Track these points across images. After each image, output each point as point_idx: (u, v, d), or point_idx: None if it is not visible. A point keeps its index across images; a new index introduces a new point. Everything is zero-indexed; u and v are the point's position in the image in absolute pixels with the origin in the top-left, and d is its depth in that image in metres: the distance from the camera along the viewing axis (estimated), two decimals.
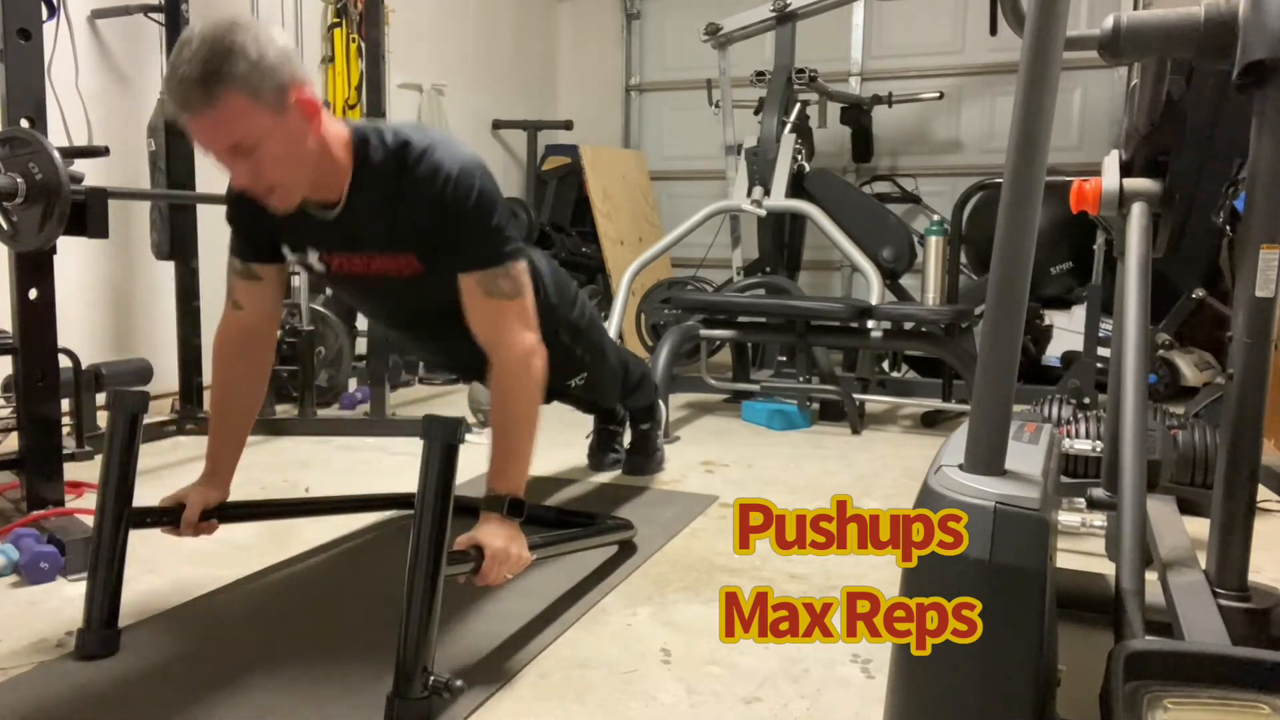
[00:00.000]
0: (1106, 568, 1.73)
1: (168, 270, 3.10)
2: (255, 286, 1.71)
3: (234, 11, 1.43)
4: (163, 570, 1.87)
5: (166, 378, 3.14)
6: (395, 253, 1.61)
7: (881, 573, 1.94)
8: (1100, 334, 3.30)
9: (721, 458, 2.95)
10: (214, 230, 3.11)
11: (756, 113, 4.41)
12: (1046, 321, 4.09)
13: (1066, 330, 4.09)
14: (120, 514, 1.51)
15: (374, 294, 1.78)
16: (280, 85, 1.38)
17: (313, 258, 1.66)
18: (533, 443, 1.61)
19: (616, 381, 2.37)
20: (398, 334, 2.01)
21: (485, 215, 1.56)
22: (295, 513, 2.09)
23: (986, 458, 0.97)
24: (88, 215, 1.96)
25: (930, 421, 3.60)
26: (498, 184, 1.61)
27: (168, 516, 1.61)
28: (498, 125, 5.46)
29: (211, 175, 3.21)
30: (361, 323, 3.84)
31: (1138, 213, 1.58)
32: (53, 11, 2.80)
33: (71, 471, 2.23)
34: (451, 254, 1.58)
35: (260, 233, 1.66)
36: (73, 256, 2.80)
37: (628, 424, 2.76)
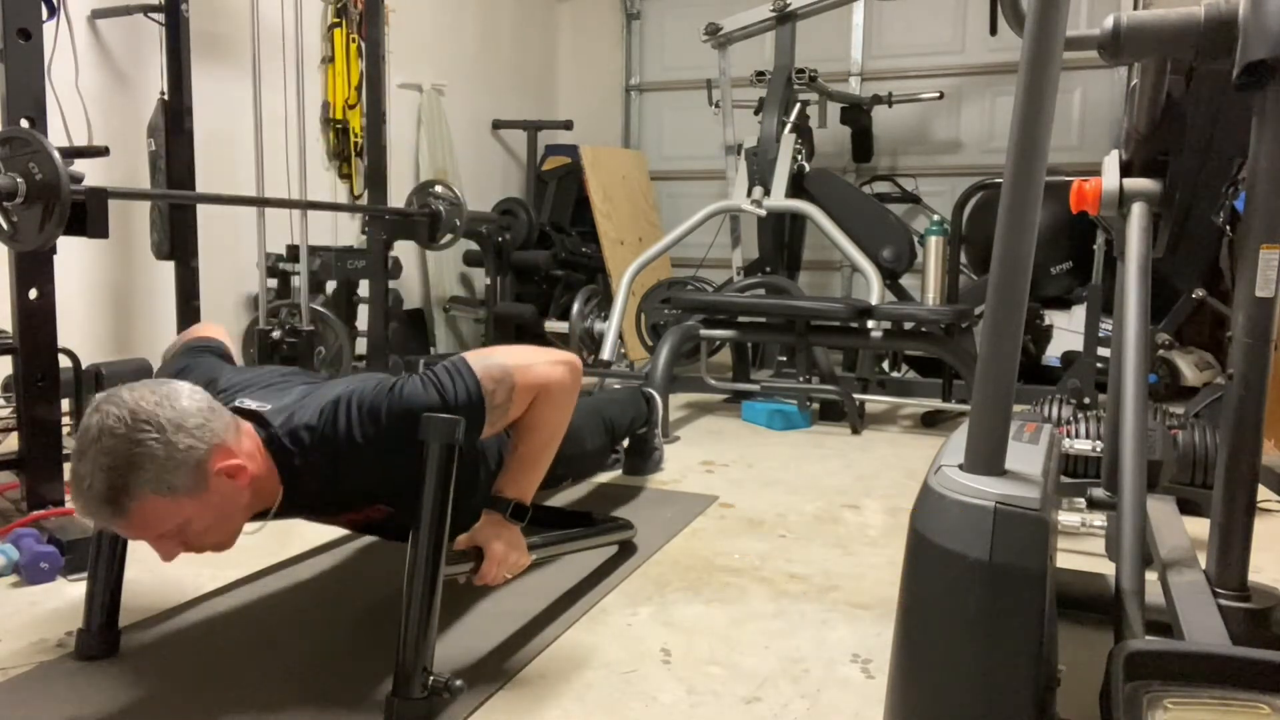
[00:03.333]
0: (1106, 568, 1.73)
1: (168, 270, 3.10)
2: None
3: (134, 397, 1.24)
4: (163, 570, 1.87)
5: None
6: (360, 510, 1.53)
7: (882, 572, 1.94)
8: (1100, 334, 3.30)
9: (721, 458, 2.95)
10: (214, 230, 3.12)
11: (756, 113, 4.41)
12: (1046, 321, 4.09)
13: (1066, 330, 4.09)
14: None
15: (343, 527, 1.70)
16: (196, 468, 1.25)
17: (271, 515, 1.54)
18: (551, 458, 1.58)
19: (605, 452, 2.36)
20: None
21: (427, 408, 1.37)
22: None
23: (986, 458, 0.97)
24: (88, 215, 1.95)
25: (930, 421, 3.60)
26: (418, 385, 1.40)
27: None
28: (498, 125, 5.46)
29: (211, 175, 3.22)
30: (362, 322, 3.84)
31: (1138, 213, 1.58)
32: (53, 11, 2.80)
33: None
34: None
35: None
36: (73, 256, 2.80)
37: None
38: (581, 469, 2.19)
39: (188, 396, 1.28)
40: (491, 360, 1.46)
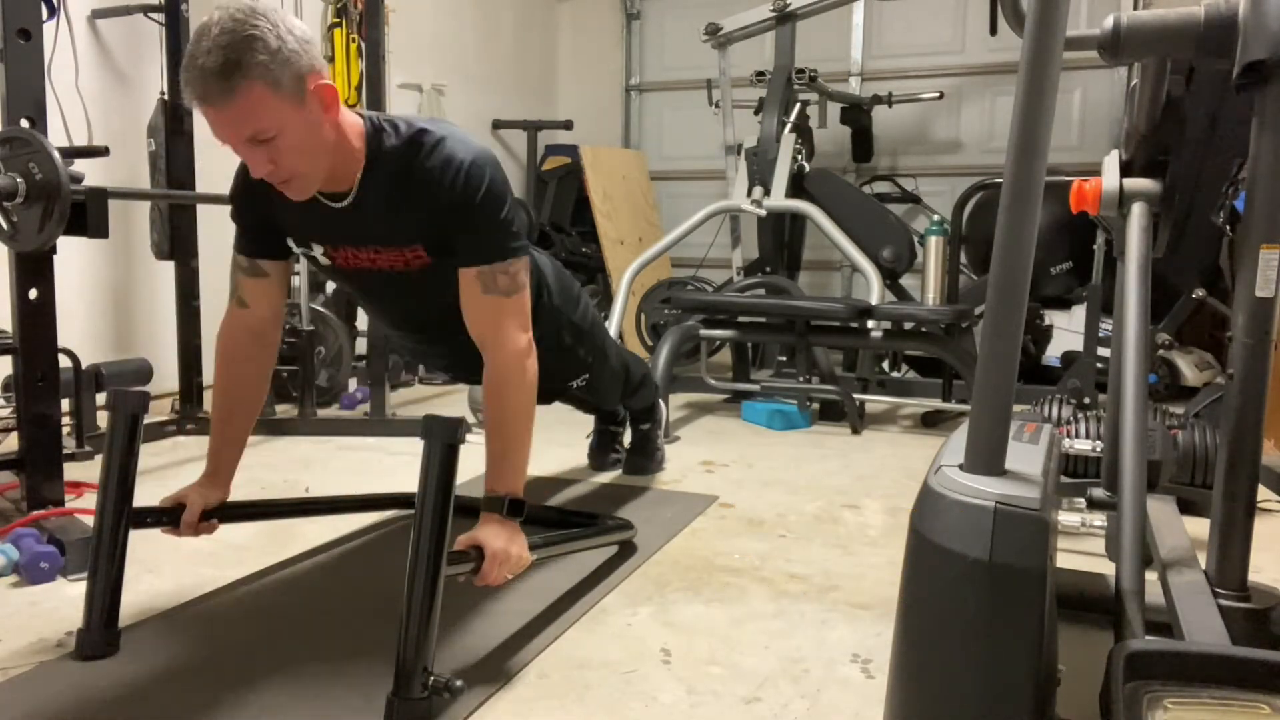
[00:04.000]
0: (1106, 568, 1.73)
1: (168, 270, 3.10)
2: (260, 284, 1.70)
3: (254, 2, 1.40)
4: (163, 570, 1.87)
5: (166, 378, 3.14)
6: (402, 246, 1.61)
7: (882, 572, 1.94)
8: (1100, 334, 3.30)
9: (721, 458, 2.95)
10: (214, 230, 3.12)
11: (756, 113, 4.41)
12: (1046, 321, 4.09)
13: (1066, 330, 4.09)
14: (120, 514, 1.51)
15: (378, 289, 1.77)
16: (299, 74, 1.38)
17: (318, 251, 1.66)
18: (529, 442, 1.61)
19: (618, 383, 2.37)
20: (400, 334, 1.98)
21: (493, 209, 1.55)
22: (295, 513, 2.09)
23: (986, 458, 0.97)
24: (88, 215, 1.95)
25: (930, 421, 3.60)
26: (508, 181, 1.60)
27: (168, 517, 1.61)
28: (498, 125, 5.46)
29: (211, 176, 3.21)
30: (362, 322, 3.84)
31: (1138, 213, 1.58)
32: (53, 11, 2.80)
33: (71, 471, 2.23)
34: (457, 245, 1.58)
35: (266, 227, 1.66)
36: (73, 256, 2.79)
37: (628, 424, 2.76)
38: (597, 375, 2.21)
39: (299, 24, 1.41)
40: (524, 283, 1.61)
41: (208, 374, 2.95)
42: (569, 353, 2.04)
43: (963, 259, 3.92)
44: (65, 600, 1.73)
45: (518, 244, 1.59)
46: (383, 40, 3.39)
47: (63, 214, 1.87)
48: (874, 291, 3.71)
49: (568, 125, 5.47)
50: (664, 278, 4.99)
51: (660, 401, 2.78)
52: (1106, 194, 1.62)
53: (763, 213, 4.13)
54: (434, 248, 1.60)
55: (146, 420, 1.59)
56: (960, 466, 0.98)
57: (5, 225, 1.93)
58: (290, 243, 1.68)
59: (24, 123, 1.97)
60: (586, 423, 2.81)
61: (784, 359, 3.95)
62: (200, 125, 3.16)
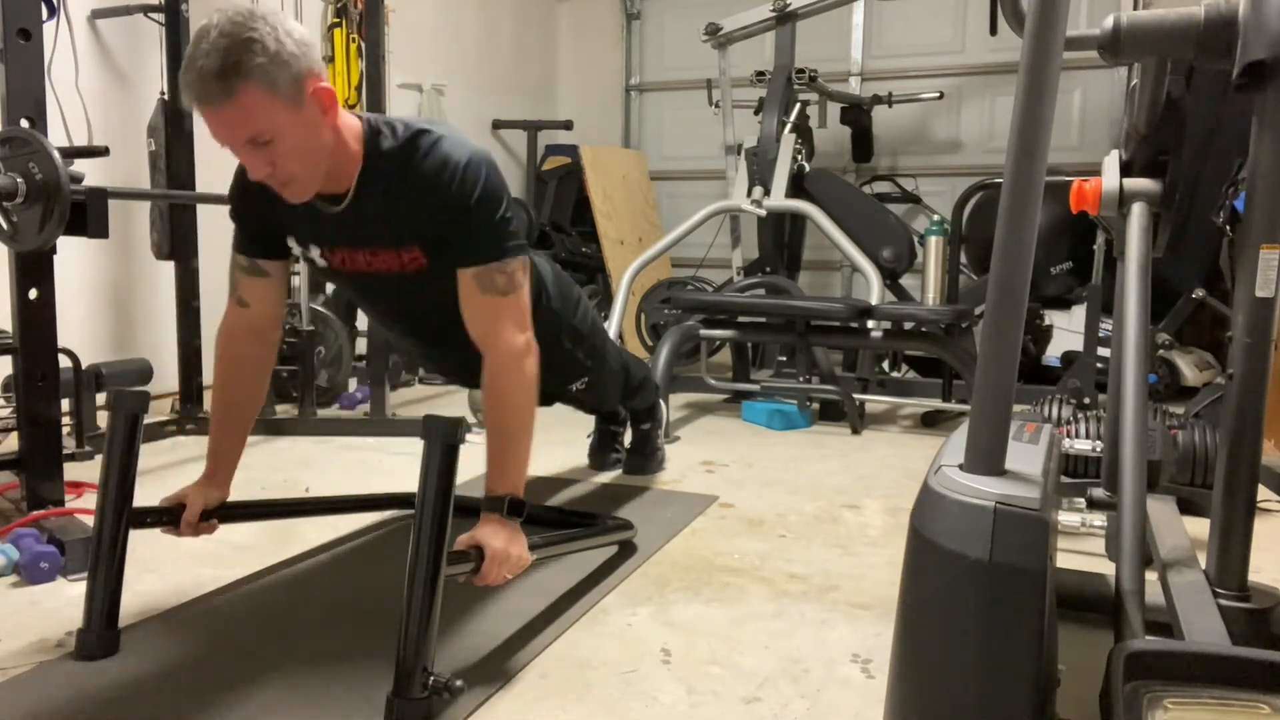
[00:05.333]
0: (1106, 568, 1.73)
1: (168, 270, 3.10)
2: (260, 283, 1.70)
3: (252, 5, 1.41)
4: (163, 570, 1.87)
5: (166, 378, 3.14)
6: (400, 247, 1.61)
7: (881, 573, 1.94)
8: (1100, 334, 3.30)
9: (721, 458, 2.95)
10: (214, 230, 3.12)
11: (756, 113, 4.41)
12: (1046, 321, 4.09)
13: (1066, 330, 4.09)
14: (120, 514, 1.51)
15: (375, 293, 1.78)
16: (298, 77, 1.38)
17: (315, 253, 1.66)
18: (529, 442, 1.61)
19: (618, 385, 2.37)
20: (398, 335, 1.99)
21: (489, 209, 1.55)
22: (295, 513, 2.09)
23: (986, 458, 0.97)
24: (88, 215, 1.95)
25: (930, 421, 3.60)
26: (504, 180, 1.61)
27: (168, 516, 1.61)
28: (498, 125, 5.46)
29: (211, 175, 3.21)
30: (362, 323, 3.84)
31: (1138, 213, 1.58)
32: (53, 11, 2.80)
33: (71, 471, 2.23)
34: (454, 246, 1.58)
35: (265, 227, 1.66)
36: (73, 256, 2.79)
37: (629, 424, 2.76)
38: (597, 378, 2.22)
39: (298, 27, 1.42)
40: (522, 283, 1.61)
41: (208, 374, 2.94)
42: (568, 355, 2.04)
43: (963, 259, 3.92)
44: (65, 600, 1.73)
45: (515, 244, 1.59)
46: (383, 40, 3.39)
47: (63, 214, 1.87)
48: (874, 291, 3.71)
49: (568, 125, 5.47)
50: (664, 278, 4.99)
51: (661, 401, 2.78)
52: (1106, 194, 1.62)
53: (763, 213, 4.13)
54: (431, 250, 1.60)
55: (146, 420, 1.58)
56: (960, 466, 0.98)
57: (5, 225, 1.93)
58: (291, 242, 1.68)
59: (24, 123, 1.97)
60: (586, 423, 2.81)
61: (784, 359, 3.95)
62: (200, 125, 3.15)
